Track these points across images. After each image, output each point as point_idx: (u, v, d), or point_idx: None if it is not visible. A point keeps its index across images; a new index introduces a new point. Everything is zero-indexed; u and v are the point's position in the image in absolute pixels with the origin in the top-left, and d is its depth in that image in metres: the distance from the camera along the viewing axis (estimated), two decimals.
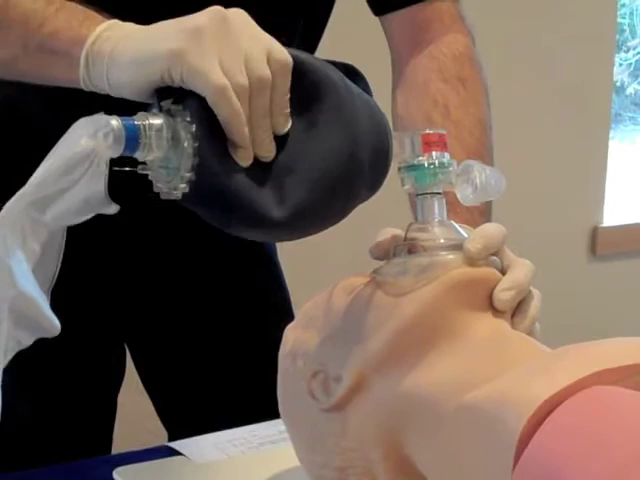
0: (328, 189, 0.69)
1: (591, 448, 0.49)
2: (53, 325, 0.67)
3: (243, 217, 0.68)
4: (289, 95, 0.69)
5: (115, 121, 0.64)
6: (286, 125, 0.70)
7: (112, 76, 0.72)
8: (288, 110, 0.69)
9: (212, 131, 0.66)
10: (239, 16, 0.70)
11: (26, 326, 0.66)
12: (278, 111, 0.69)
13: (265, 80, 0.68)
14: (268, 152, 0.69)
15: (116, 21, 0.75)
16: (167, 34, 0.69)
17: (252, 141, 0.68)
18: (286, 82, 0.69)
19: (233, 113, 0.67)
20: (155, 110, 0.67)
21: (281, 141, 0.69)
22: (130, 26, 0.74)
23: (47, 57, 0.78)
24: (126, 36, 0.72)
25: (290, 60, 0.69)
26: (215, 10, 0.69)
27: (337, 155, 0.69)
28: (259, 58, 0.68)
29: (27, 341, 0.67)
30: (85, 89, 0.75)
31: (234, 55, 0.67)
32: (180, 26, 0.69)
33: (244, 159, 0.68)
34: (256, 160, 0.69)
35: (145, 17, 0.73)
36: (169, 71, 0.67)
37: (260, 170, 0.68)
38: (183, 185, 0.65)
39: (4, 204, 0.65)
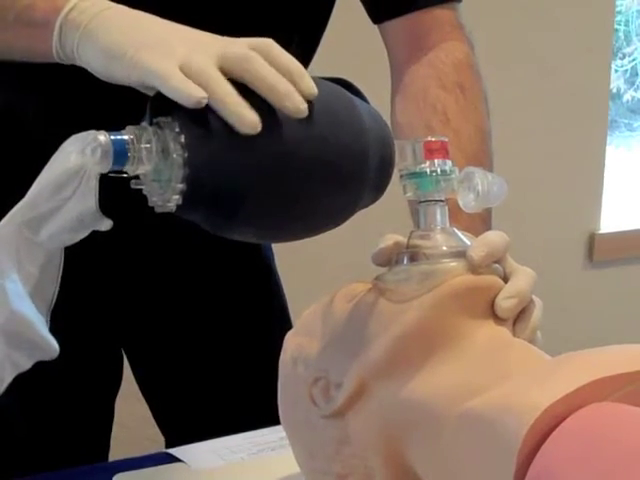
0: (336, 177, 0.68)
1: (602, 467, 0.48)
2: (51, 347, 0.66)
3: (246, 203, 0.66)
4: (296, 61, 0.68)
5: (103, 136, 0.63)
6: (311, 86, 0.67)
7: (82, 52, 0.72)
8: (306, 72, 0.67)
9: (203, 135, 0.65)
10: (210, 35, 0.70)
11: (22, 347, 0.65)
12: (292, 70, 0.67)
13: (246, 52, 0.66)
14: (298, 103, 0.65)
15: None
16: (136, 36, 0.69)
17: (278, 99, 0.65)
18: (278, 48, 0.68)
19: (183, 97, 0.64)
20: (145, 123, 0.67)
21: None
22: (106, 2, 0.74)
23: (24, 29, 0.78)
24: (102, 13, 0.72)
25: (270, 39, 0.68)
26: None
27: (348, 151, 0.68)
28: (236, 42, 0.68)
29: (25, 364, 0.66)
30: (59, 60, 0.76)
31: (202, 48, 0.67)
32: (151, 30, 0.70)
33: (246, 125, 0.64)
34: (261, 153, 0.66)
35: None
36: (130, 79, 0.68)
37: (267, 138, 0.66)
38: (176, 196, 0.65)
39: (1, 217, 0.65)
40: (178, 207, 0.66)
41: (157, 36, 0.69)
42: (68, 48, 0.74)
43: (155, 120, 0.67)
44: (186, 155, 0.64)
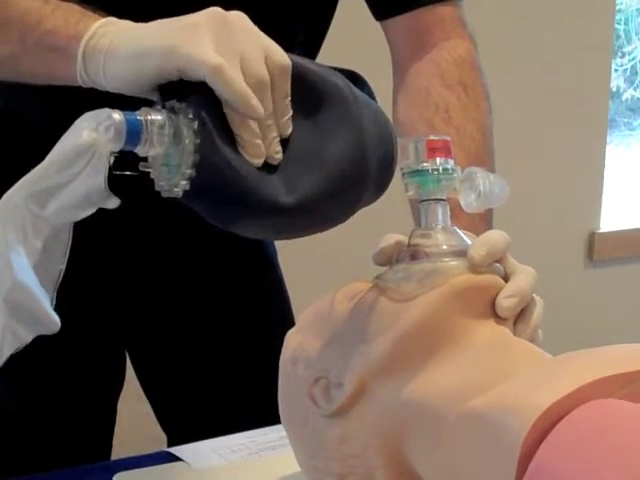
0: (336, 184, 0.68)
1: (603, 457, 0.49)
2: (52, 321, 0.66)
3: (248, 206, 0.67)
4: (290, 97, 0.69)
5: (117, 115, 0.63)
6: (288, 127, 0.69)
7: (109, 71, 0.72)
8: (290, 112, 0.69)
9: (215, 127, 0.66)
10: (238, 17, 0.70)
11: (23, 319, 0.66)
12: (280, 113, 0.69)
13: (263, 81, 0.67)
14: (276, 153, 0.68)
15: (113, 18, 0.75)
16: (163, 31, 0.69)
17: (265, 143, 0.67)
18: (285, 84, 0.69)
19: (236, 91, 0.66)
20: (158, 106, 0.67)
21: (289, 141, 0.69)
22: (127, 23, 0.74)
23: (45, 54, 0.78)
24: (123, 32, 0.72)
25: (289, 62, 0.69)
26: (214, 10, 0.69)
27: (345, 155, 0.68)
28: (257, 59, 0.68)
29: (26, 336, 0.66)
30: (83, 85, 0.75)
31: (231, 54, 0.67)
32: (177, 24, 0.69)
33: (255, 155, 0.67)
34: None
35: (142, 17, 0.73)
36: (163, 66, 0.67)
37: (267, 164, 0.68)
38: (184, 182, 0.65)
39: None
40: (184, 193, 0.66)
41: (181, 27, 0.69)
42: (93, 72, 0.73)
43: (169, 105, 0.67)
44: (198, 142, 0.65)
